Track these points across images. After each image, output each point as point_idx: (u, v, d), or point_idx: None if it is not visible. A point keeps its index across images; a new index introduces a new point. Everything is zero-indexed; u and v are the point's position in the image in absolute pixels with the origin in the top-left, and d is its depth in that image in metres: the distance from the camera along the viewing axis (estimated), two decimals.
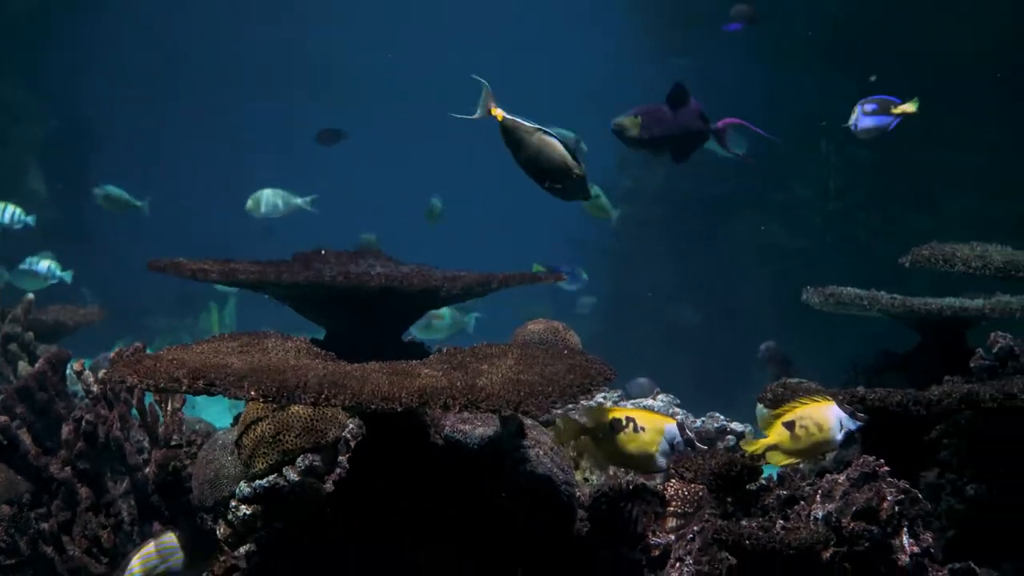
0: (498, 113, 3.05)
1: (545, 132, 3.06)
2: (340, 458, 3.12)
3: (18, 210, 6.59)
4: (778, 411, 2.80)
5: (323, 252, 4.15)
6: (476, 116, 3.08)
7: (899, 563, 2.53)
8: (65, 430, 3.64)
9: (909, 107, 4.50)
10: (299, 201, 7.20)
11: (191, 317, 11.54)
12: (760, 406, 4.24)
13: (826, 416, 2.76)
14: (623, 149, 11.81)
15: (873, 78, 8.18)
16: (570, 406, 3.37)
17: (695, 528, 2.78)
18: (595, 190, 6.75)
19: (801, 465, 3.18)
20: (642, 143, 4.17)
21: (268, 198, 7.17)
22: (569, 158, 3.06)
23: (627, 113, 4.20)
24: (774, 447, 2.78)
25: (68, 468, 3.60)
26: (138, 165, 13.32)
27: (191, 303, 11.44)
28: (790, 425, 2.75)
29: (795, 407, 2.78)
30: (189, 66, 16.80)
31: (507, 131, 3.06)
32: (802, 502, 2.62)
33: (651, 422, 2.81)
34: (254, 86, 17.16)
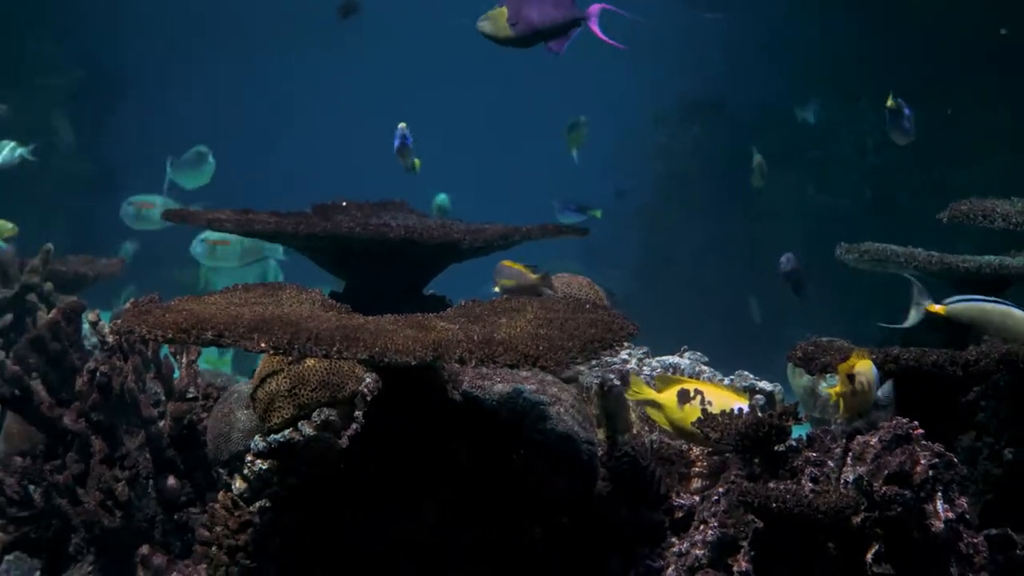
0: (938, 308, 2.93)
1: (998, 302, 2.90)
2: (356, 413, 3.05)
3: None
4: (848, 363, 2.72)
5: (344, 203, 4.06)
6: (913, 321, 2.98)
7: (933, 529, 2.44)
8: (79, 381, 3.57)
9: (889, 102, 5.19)
10: (21, 151, 7.12)
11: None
12: (790, 365, 4.15)
13: (875, 375, 2.69)
14: (658, 105, 11.62)
15: (1004, 31, 8.02)
16: (592, 361, 3.30)
17: (720, 490, 2.70)
18: (582, 118, 6.74)
19: (832, 426, 3.09)
20: (516, 38, 3.77)
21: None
22: None
23: (495, 6, 3.78)
24: (843, 395, 2.70)
25: (82, 420, 3.53)
26: (163, 116, 13.27)
27: None
28: (851, 378, 2.67)
29: (855, 361, 2.69)
30: (216, 16, 16.70)
31: (960, 322, 2.92)
32: (832, 464, 2.53)
33: (720, 399, 2.71)
34: (285, 36, 17.02)
